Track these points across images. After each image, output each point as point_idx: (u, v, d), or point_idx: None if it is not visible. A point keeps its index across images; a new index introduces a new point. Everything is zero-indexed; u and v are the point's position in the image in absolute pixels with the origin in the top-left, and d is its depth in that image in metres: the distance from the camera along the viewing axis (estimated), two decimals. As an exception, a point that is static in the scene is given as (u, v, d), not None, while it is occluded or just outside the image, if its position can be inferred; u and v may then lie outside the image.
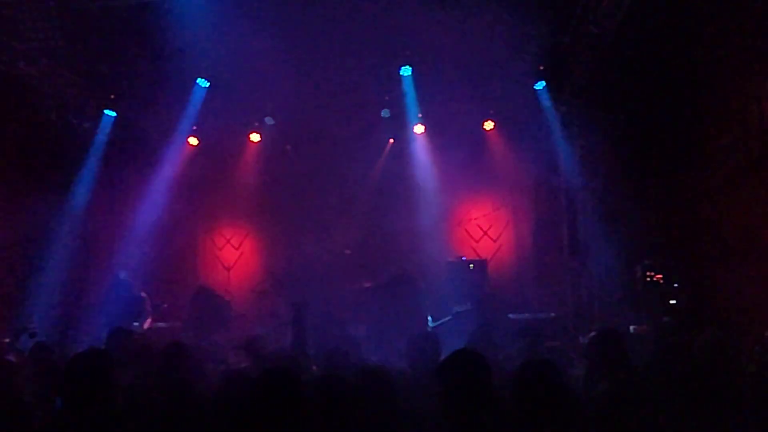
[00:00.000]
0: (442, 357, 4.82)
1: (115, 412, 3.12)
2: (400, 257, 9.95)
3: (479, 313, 8.09)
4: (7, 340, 7.11)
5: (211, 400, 3.42)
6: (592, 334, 4.68)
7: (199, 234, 11.69)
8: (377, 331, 7.77)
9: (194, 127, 10.63)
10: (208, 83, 9.59)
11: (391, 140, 11.04)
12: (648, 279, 7.99)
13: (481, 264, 9.90)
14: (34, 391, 4.38)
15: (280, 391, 2.99)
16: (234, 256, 11.61)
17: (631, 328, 7.11)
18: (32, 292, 8.73)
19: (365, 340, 6.53)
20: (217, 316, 8.58)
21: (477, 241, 11.07)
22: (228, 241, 11.69)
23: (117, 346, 4.95)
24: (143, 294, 8.67)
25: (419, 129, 10.69)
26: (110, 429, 3.05)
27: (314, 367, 5.04)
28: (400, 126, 10.69)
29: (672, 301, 7.71)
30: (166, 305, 9.27)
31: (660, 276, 7.89)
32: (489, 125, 10.61)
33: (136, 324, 8.02)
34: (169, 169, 10.64)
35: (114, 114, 10.04)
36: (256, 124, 10.94)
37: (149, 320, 8.40)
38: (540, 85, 9.68)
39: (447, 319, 7.96)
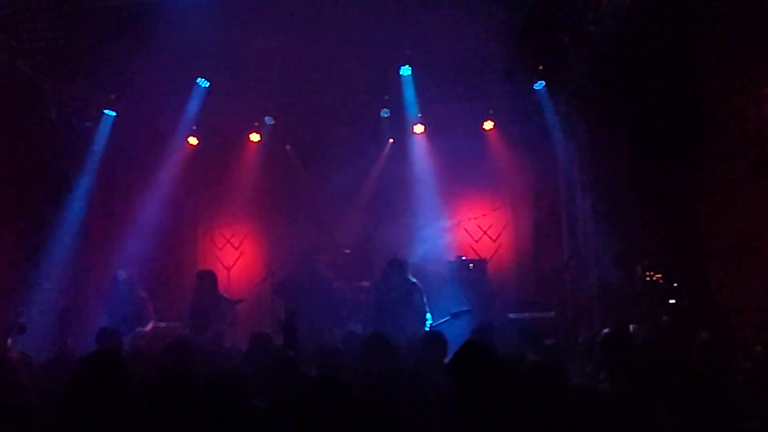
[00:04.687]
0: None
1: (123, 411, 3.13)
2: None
3: (479, 313, 8.07)
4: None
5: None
6: (605, 331, 4.59)
7: (199, 234, 11.68)
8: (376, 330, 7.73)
9: (194, 127, 10.63)
10: (208, 83, 9.59)
11: (391, 140, 11.05)
12: (648, 279, 7.99)
13: (481, 263, 9.89)
14: (39, 389, 4.38)
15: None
16: (234, 256, 11.60)
17: (631, 327, 7.10)
18: (30, 292, 8.71)
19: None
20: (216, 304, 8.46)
21: (476, 241, 11.07)
22: (228, 241, 11.68)
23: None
24: (143, 294, 8.64)
25: (419, 129, 10.69)
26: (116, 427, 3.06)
27: (312, 369, 5.03)
28: (399, 126, 10.69)
29: (672, 301, 7.72)
30: (166, 305, 9.24)
31: (660, 276, 7.90)
32: (489, 125, 10.60)
33: (139, 329, 7.97)
34: (168, 169, 10.63)
35: (114, 114, 10.04)
36: (256, 124, 10.94)
37: (152, 321, 8.35)
38: (540, 85, 9.68)
39: (445, 320, 7.94)
